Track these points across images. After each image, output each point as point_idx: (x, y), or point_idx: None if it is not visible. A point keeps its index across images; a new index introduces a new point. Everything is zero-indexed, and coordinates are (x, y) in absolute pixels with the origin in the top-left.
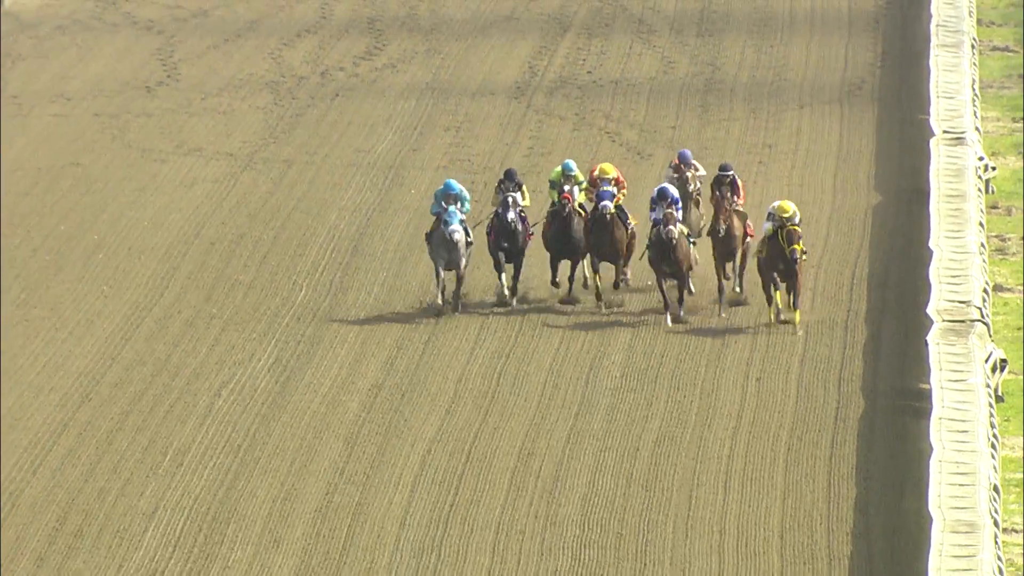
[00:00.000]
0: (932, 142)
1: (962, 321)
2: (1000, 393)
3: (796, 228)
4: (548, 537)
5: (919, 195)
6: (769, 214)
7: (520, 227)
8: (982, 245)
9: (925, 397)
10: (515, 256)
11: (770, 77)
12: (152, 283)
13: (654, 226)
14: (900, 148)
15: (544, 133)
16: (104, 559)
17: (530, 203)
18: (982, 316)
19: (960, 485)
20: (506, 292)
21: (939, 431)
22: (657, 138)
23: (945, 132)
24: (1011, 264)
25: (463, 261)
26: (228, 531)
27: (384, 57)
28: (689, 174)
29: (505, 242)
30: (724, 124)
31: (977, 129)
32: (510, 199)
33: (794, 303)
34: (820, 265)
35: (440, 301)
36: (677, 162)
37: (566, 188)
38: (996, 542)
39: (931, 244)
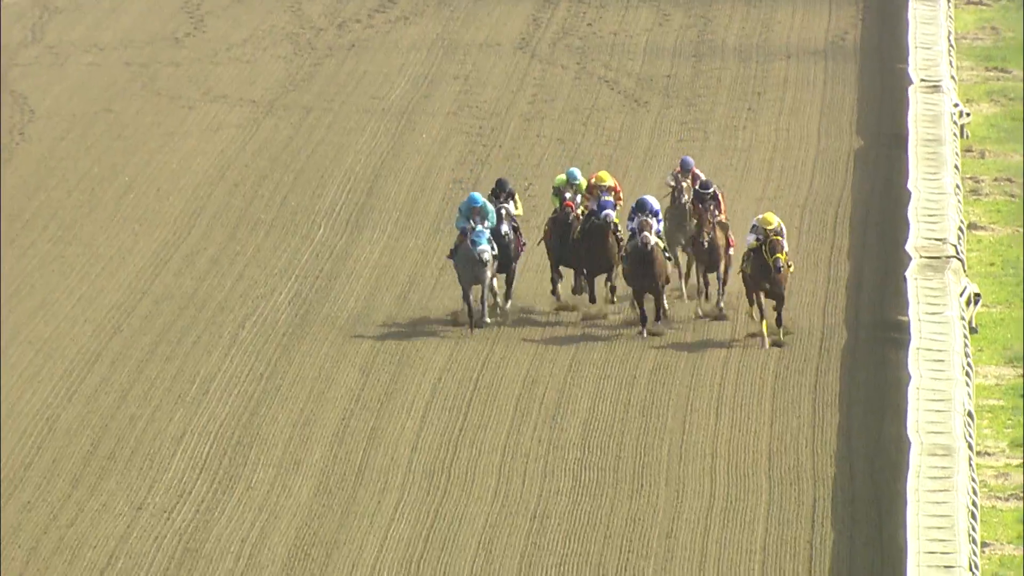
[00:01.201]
0: (910, 90)
1: (938, 257)
2: (974, 325)
3: (779, 239)
4: (551, 460)
5: (898, 140)
6: (753, 227)
7: (512, 237)
8: (957, 186)
9: (904, 329)
10: (507, 266)
11: (759, 29)
12: (180, 222)
13: (631, 236)
14: (880, 96)
15: (547, 82)
16: (135, 480)
17: (522, 212)
18: (957, 253)
19: (936, 411)
20: (498, 301)
21: (917, 360)
22: (653, 86)
23: (922, 81)
24: (984, 204)
25: (488, 275)
26: (251, 454)
27: (397, 11)
28: (685, 184)
29: (497, 253)
30: (715, 73)
31: (952, 78)
32: (503, 211)
33: (778, 320)
34: (805, 206)
35: (470, 325)
36: (678, 170)
37: (568, 195)
38: (970, 464)
39: (909, 185)
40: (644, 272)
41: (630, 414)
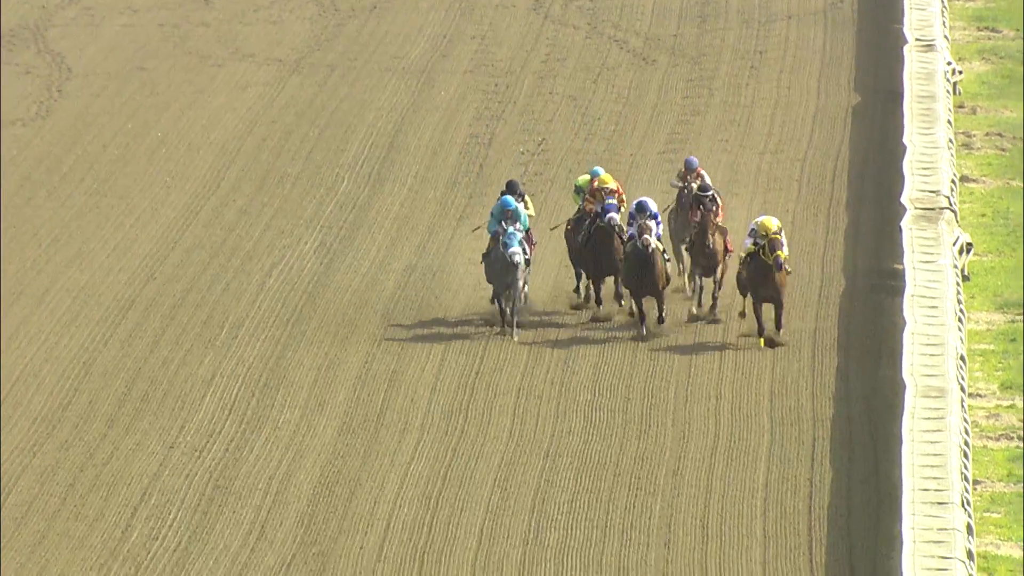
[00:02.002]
0: (905, 49)
1: (932, 209)
2: (966, 273)
3: (778, 236)
4: (563, 401)
5: (894, 96)
6: (751, 231)
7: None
8: (950, 141)
9: (899, 276)
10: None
11: None
12: (210, 175)
13: (630, 239)
14: (877, 55)
15: (559, 41)
16: (168, 421)
17: (534, 213)
18: (950, 204)
19: (930, 355)
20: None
21: (912, 307)
22: (660, 46)
23: (917, 40)
24: (976, 158)
25: (520, 281)
26: (278, 396)
27: None
28: (695, 185)
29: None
30: (720, 33)
31: (945, 37)
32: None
33: (777, 323)
34: (805, 159)
35: (502, 324)
36: (684, 171)
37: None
38: (962, 406)
39: (904, 140)
40: (643, 275)
41: (638, 358)
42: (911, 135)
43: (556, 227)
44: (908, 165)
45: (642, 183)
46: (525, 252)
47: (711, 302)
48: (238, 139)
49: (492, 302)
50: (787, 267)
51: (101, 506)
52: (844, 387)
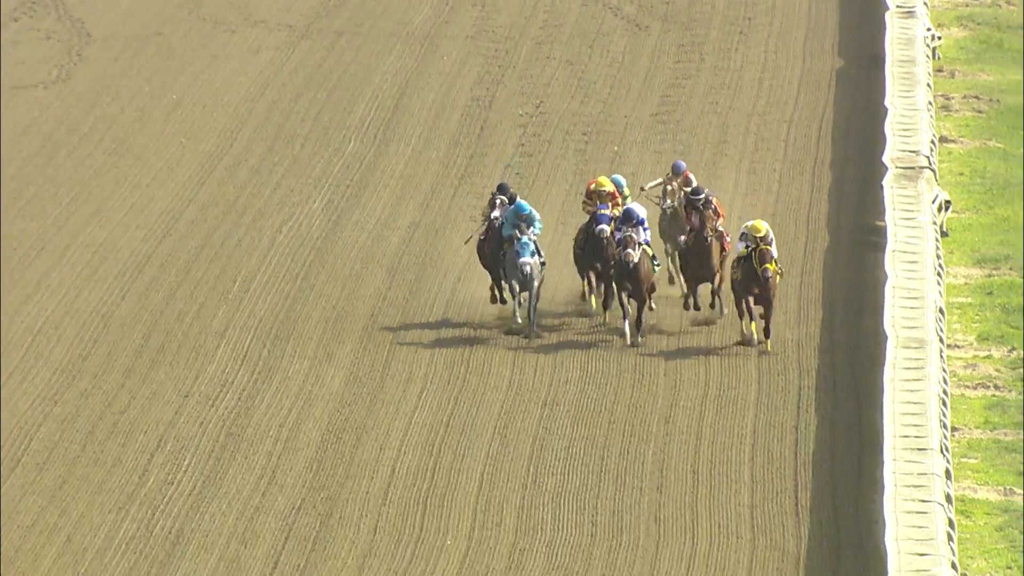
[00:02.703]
0: (887, 15)
1: (912, 168)
2: (945, 229)
3: (768, 248)
4: (560, 353)
5: (876, 60)
6: (742, 234)
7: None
8: (929, 103)
9: (881, 233)
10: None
11: None
12: (223, 136)
13: (617, 245)
14: (860, 20)
15: (556, 8)
16: (183, 371)
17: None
18: (930, 164)
19: (910, 308)
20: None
21: (893, 262)
22: (653, 13)
23: (898, 6)
24: (954, 119)
25: (535, 284)
26: (288, 347)
27: None
28: (671, 187)
29: (496, 249)
30: (710, 1)
31: (925, 4)
32: (497, 199)
33: (766, 331)
34: (791, 120)
35: (518, 320)
36: (671, 174)
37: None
38: (941, 356)
39: (886, 102)
40: (630, 284)
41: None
42: (892, 98)
43: (469, 240)
44: (889, 126)
45: (636, 143)
46: (540, 255)
47: (717, 306)
48: (250, 101)
49: (493, 301)
50: (777, 275)
51: (119, 452)
52: (828, 338)
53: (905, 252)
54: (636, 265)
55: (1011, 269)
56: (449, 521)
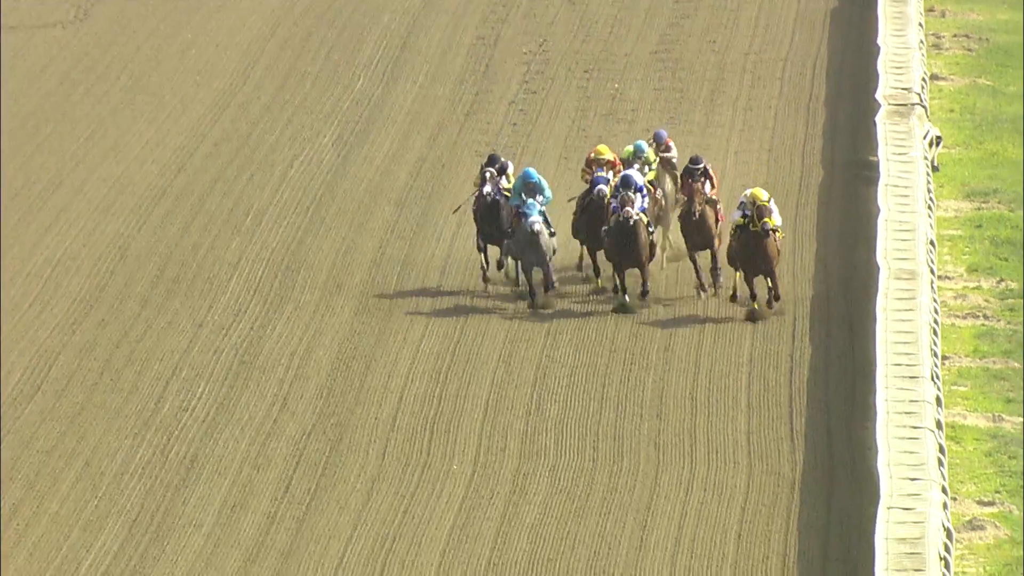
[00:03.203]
0: None
1: (904, 104)
2: (936, 164)
3: (766, 204)
4: (563, 288)
5: (868, 0)
6: (741, 203)
7: (503, 204)
8: (921, 42)
9: (874, 167)
10: (499, 236)
11: None
12: (236, 74)
13: (612, 213)
14: None
15: None
16: (197, 301)
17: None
18: (921, 100)
19: (902, 240)
20: (487, 267)
21: (885, 195)
22: None
23: None
24: (945, 57)
25: (548, 257)
26: (298, 278)
27: None
28: (651, 147)
29: (487, 221)
30: None
31: None
32: (487, 173)
33: (775, 294)
34: (787, 59)
35: (532, 301)
36: (653, 142)
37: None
38: (932, 287)
39: (879, 41)
40: (626, 247)
41: None
42: (885, 37)
43: (457, 209)
44: (882, 64)
45: (635, 81)
46: (549, 227)
47: (711, 279)
48: (262, 40)
49: (484, 282)
50: (777, 235)
51: (135, 380)
52: (823, 270)
53: (897, 186)
54: (634, 226)
55: (999, 202)
56: (455, 446)
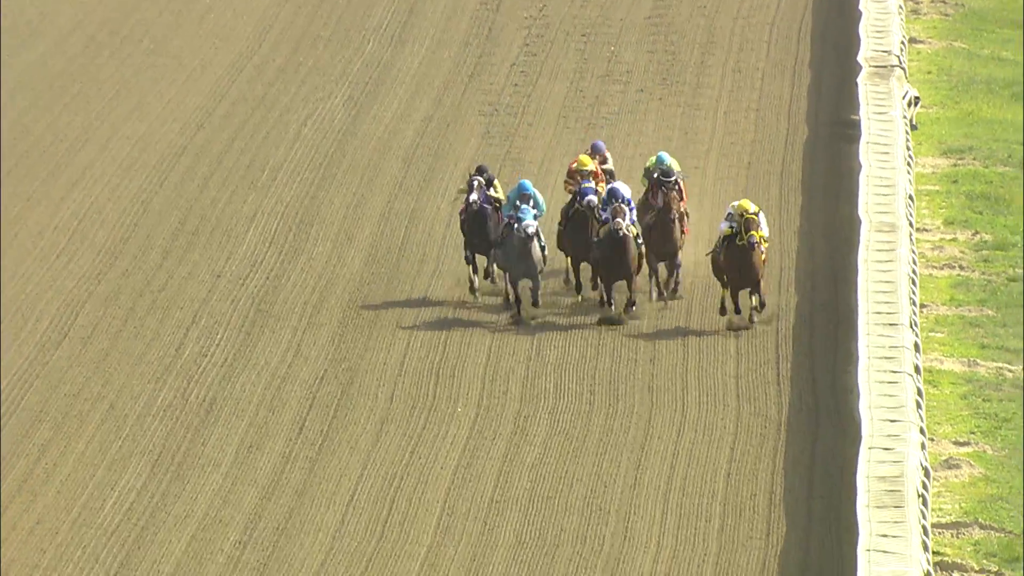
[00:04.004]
0: None
1: (884, 66)
2: (914, 123)
3: (753, 217)
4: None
5: None
6: (728, 214)
7: (494, 217)
8: (900, 7)
9: (856, 126)
10: (486, 246)
11: None
12: (252, 37)
13: (602, 224)
14: None
15: None
16: (216, 252)
17: (503, 197)
18: (900, 63)
19: (883, 195)
20: (475, 281)
21: (867, 153)
22: None
23: None
24: (923, 22)
25: (537, 268)
26: (312, 231)
27: None
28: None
29: (474, 230)
30: None
31: None
32: (475, 182)
33: (760, 306)
34: (773, 23)
35: (517, 312)
36: (589, 152)
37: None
38: (911, 239)
39: (860, 6)
40: (616, 259)
41: None
42: (866, 2)
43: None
44: (864, 28)
45: (630, 44)
46: (540, 239)
47: (672, 287)
48: (277, 5)
49: (472, 293)
50: (763, 248)
51: (157, 327)
52: (807, 223)
53: (878, 144)
54: (624, 239)
55: (974, 159)
56: (459, 390)
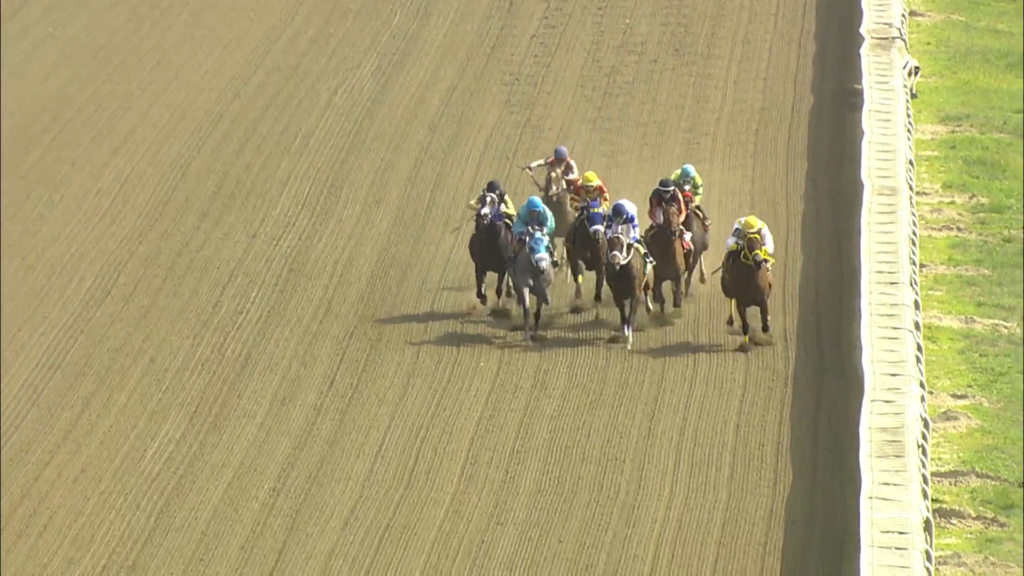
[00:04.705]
0: None
1: (886, 38)
2: (914, 92)
3: (756, 236)
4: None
5: None
6: (735, 229)
7: (501, 228)
8: None
9: (859, 95)
10: (500, 264)
11: None
12: (286, 11)
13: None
14: None
15: None
16: (251, 214)
17: (514, 212)
18: (901, 34)
19: (884, 160)
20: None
21: (869, 120)
22: None
23: None
24: None
25: (547, 288)
26: (342, 194)
27: None
28: (554, 174)
29: (486, 245)
30: None
31: None
32: (488, 198)
33: (764, 325)
34: None
35: (535, 327)
36: (552, 159)
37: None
38: (911, 202)
39: None
40: (623, 285)
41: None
42: None
43: (455, 229)
44: (866, 1)
45: (645, 17)
46: (552, 255)
47: (675, 305)
48: None
49: (478, 296)
50: (769, 264)
51: (195, 285)
52: (813, 187)
53: (879, 111)
54: (626, 267)
55: (971, 126)
56: (482, 345)
